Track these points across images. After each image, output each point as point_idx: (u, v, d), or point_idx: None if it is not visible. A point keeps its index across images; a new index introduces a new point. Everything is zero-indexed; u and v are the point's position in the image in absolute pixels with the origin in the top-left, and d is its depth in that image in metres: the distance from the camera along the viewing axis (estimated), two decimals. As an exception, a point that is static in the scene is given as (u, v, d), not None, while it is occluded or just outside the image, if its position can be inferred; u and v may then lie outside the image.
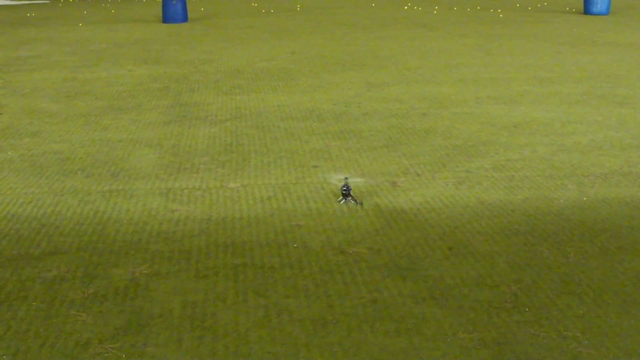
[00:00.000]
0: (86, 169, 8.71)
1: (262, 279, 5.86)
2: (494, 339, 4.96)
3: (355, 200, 7.45)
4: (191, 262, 6.19)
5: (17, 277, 5.93)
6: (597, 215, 7.14)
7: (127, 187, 8.07)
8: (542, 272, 5.94)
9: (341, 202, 7.45)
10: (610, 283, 5.75)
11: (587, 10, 26.26)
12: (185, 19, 25.19)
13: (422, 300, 5.50)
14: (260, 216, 7.20)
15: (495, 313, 5.30)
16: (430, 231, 6.79)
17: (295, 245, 6.51)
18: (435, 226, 6.90)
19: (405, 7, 29.47)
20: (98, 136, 10.17)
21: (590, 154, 9.06)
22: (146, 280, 5.86)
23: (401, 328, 5.11)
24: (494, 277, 5.86)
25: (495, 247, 6.43)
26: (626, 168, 8.54)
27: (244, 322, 5.21)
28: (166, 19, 24.89)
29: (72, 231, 6.86)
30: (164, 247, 6.50)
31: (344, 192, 7.45)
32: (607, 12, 26.06)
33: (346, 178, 7.62)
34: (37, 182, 8.28)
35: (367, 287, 5.70)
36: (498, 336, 5.00)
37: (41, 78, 14.78)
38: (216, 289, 5.70)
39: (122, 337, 5.04)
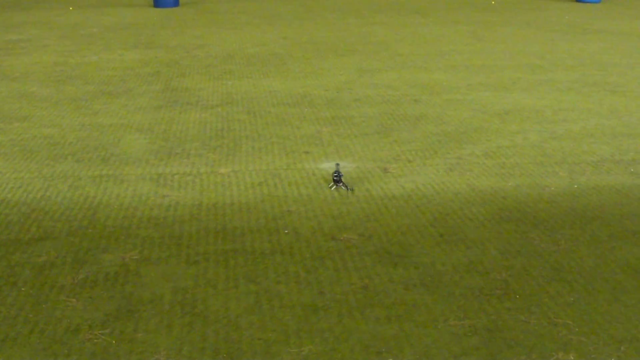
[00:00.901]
0: (76, 153, 8.68)
1: (252, 265, 5.85)
2: (484, 326, 4.96)
3: (346, 187, 7.44)
4: (182, 247, 6.17)
5: (7, 263, 5.91)
6: (588, 203, 7.15)
7: (117, 172, 8.04)
8: (533, 259, 5.94)
9: (332, 188, 7.44)
10: (601, 270, 5.76)
11: (579, -2, 26.23)
12: (176, 3, 25.08)
13: (413, 286, 5.50)
14: (251, 202, 7.18)
15: (486, 300, 5.30)
16: (422, 218, 6.78)
17: (286, 231, 6.50)
18: (426, 212, 6.90)
19: (398, -7, 29.38)
20: (88, 121, 10.12)
21: (582, 142, 9.06)
22: (136, 266, 5.84)
23: (392, 314, 5.11)
24: (485, 263, 5.86)
25: (486, 233, 6.43)
26: (617, 156, 8.55)
27: (234, 308, 5.20)
28: (157, 3, 24.77)
29: (62, 216, 6.84)
30: (154, 232, 6.48)
31: (335, 178, 7.44)
32: (599, 0, 26.04)
33: (337, 164, 7.60)
34: (26, 166, 8.25)
35: (358, 274, 5.70)
36: (489, 323, 5.00)
37: (31, 62, 14.70)
38: (207, 275, 5.69)
39: (112, 322, 5.03)
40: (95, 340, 4.82)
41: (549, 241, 6.28)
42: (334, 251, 6.09)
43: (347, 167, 8.08)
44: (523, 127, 9.67)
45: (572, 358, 4.64)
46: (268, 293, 5.41)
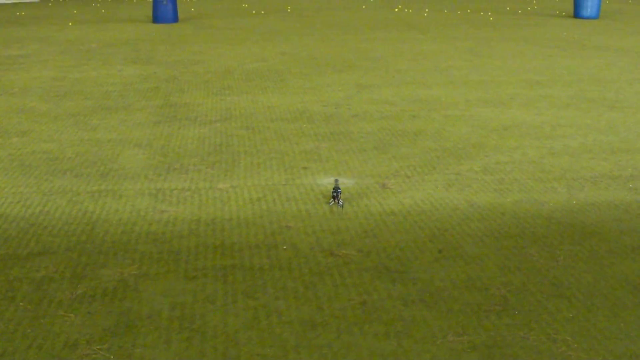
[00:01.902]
0: (75, 168, 8.68)
1: (251, 281, 5.84)
2: (483, 342, 4.95)
3: (337, 200, 7.40)
4: (180, 263, 6.17)
5: (5, 277, 5.90)
6: (586, 219, 7.15)
7: (116, 187, 8.05)
8: (532, 275, 5.94)
9: (331, 204, 7.44)
10: (600, 286, 5.76)
11: (577, 14, 26.32)
12: (175, 19, 25.13)
13: (412, 302, 5.50)
14: (249, 217, 7.18)
15: (485, 316, 5.30)
16: (420, 233, 6.78)
17: (284, 246, 6.49)
18: (425, 228, 6.90)
19: (396, 10, 29.45)
20: (87, 136, 10.13)
21: (580, 158, 9.08)
22: (135, 281, 5.83)
23: (390, 331, 5.10)
24: (484, 279, 5.86)
25: (485, 249, 6.42)
26: (615, 171, 8.56)
27: (233, 324, 5.19)
28: (156, 19, 24.83)
29: (60, 231, 6.83)
30: (152, 248, 6.48)
31: (333, 194, 7.44)
32: (597, 16, 26.12)
33: (336, 180, 7.61)
34: (25, 181, 8.25)
35: (356, 290, 5.69)
36: (488, 339, 4.99)
37: (30, 77, 14.72)
38: (205, 290, 5.68)
39: (111, 338, 5.02)
40: (94, 356, 4.80)
41: (548, 257, 6.28)
42: (333, 267, 6.08)
43: (346, 183, 8.08)
44: (521, 143, 9.69)
45: (572, 374, 4.63)
46: (266, 309, 5.40)
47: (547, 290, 5.68)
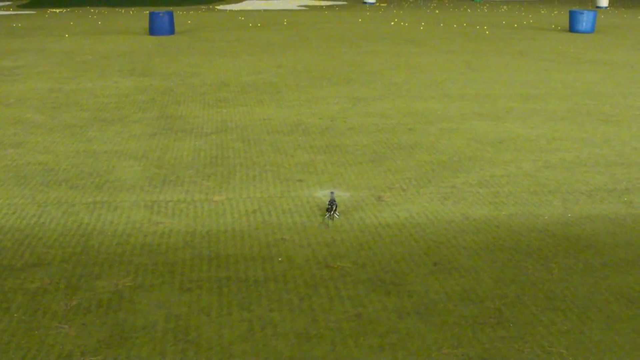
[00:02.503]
0: (70, 180, 8.68)
1: (246, 293, 5.84)
2: (478, 355, 4.95)
3: (331, 213, 7.40)
4: (175, 275, 6.16)
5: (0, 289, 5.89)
6: (581, 232, 7.16)
7: (111, 199, 8.04)
8: (527, 287, 5.94)
9: (327, 217, 7.44)
10: (595, 299, 5.76)
11: (572, 28, 26.42)
12: (172, 31, 25.19)
13: (407, 315, 5.50)
14: (245, 229, 7.18)
15: (480, 328, 5.30)
16: (415, 246, 6.78)
17: (280, 259, 6.49)
18: (420, 241, 6.90)
19: (392, 23, 29.55)
20: (83, 147, 10.13)
21: (575, 171, 9.09)
22: (130, 293, 5.83)
23: (385, 343, 5.10)
24: (479, 292, 5.86)
25: (480, 262, 6.43)
26: (610, 185, 8.58)
27: (227, 336, 5.19)
28: (153, 31, 24.88)
29: (55, 243, 6.83)
30: (147, 259, 6.47)
31: (327, 207, 7.44)
32: (592, 30, 26.22)
33: (332, 193, 7.61)
34: (20, 192, 8.24)
35: (351, 302, 5.69)
36: (482, 352, 4.99)
37: (26, 89, 14.73)
38: (200, 302, 5.68)
39: (105, 349, 5.01)
40: (88, 368, 4.80)
41: (543, 270, 6.28)
42: (328, 279, 6.08)
43: (342, 196, 8.09)
44: (517, 157, 9.70)
45: (566, 387, 4.63)
46: (261, 321, 5.40)
47: (542, 303, 5.68)
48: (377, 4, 47.16)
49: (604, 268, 6.34)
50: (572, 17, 26.52)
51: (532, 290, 5.89)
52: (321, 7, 43.48)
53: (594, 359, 4.92)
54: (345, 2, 48.13)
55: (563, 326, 5.34)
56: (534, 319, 5.45)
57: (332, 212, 7.39)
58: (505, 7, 43.57)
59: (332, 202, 7.41)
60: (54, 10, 39.35)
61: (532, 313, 5.53)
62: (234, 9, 40.74)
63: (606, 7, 42.81)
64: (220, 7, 43.01)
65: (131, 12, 36.13)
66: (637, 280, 6.12)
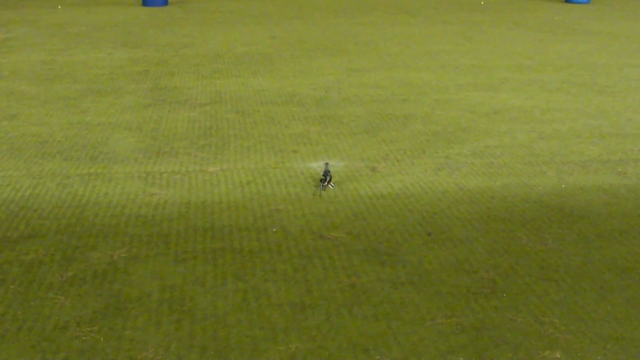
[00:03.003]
0: (65, 152, 8.67)
1: (240, 263, 5.85)
2: (471, 324, 4.98)
3: (322, 184, 7.40)
4: (170, 246, 6.18)
5: (-5, 260, 5.91)
6: (575, 203, 7.18)
7: (105, 170, 8.04)
8: (520, 258, 5.97)
9: (320, 188, 7.44)
10: (588, 269, 5.79)
11: (567, -1, 26.32)
12: (165, 2, 25.03)
13: (401, 285, 5.52)
14: (239, 200, 7.19)
15: (473, 298, 5.33)
16: (409, 217, 6.80)
17: (274, 229, 6.51)
18: (414, 212, 6.92)
19: (387, -7, 29.40)
20: (77, 119, 10.11)
21: (570, 142, 9.10)
22: (125, 264, 5.84)
23: (379, 313, 5.13)
24: (473, 262, 5.88)
25: (474, 233, 6.45)
26: (605, 156, 8.59)
27: (222, 306, 5.21)
28: (146, 2, 24.72)
29: (50, 214, 6.83)
30: (142, 230, 6.48)
31: (322, 178, 7.44)
32: (588, 1, 26.13)
33: (327, 164, 7.61)
34: (15, 165, 8.23)
35: (345, 272, 5.71)
36: (476, 321, 5.02)
37: (20, 60, 14.66)
38: (195, 273, 5.69)
39: (101, 320, 5.03)
40: (84, 338, 4.81)
41: (537, 240, 6.30)
42: (322, 249, 6.10)
43: (336, 166, 8.09)
44: (511, 127, 9.70)
45: (559, 356, 4.66)
46: (256, 291, 5.42)
47: (535, 273, 5.71)
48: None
49: (597, 238, 6.37)
50: (568, -13, 26.41)
51: (526, 261, 5.92)
52: (316, -23, 43.24)
53: (587, 328, 4.95)
54: (339, -27, 47.84)
55: (556, 296, 5.37)
56: (527, 289, 5.47)
57: (326, 183, 7.40)
58: (500, -23, 43.37)
59: (326, 173, 7.41)
60: (47, -19, 39.03)
61: (525, 283, 5.56)
62: (228, -20, 40.51)
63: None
64: (214, -23, 42.76)
65: (124, -17, 35.91)
66: (630, 250, 6.15)
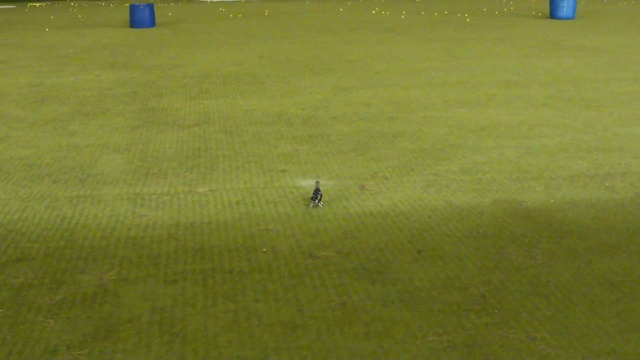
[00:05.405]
0: (53, 174, 8.65)
1: (231, 284, 5.84)
2: (463, 341, 4.98)
3: (313, 202, 7.42)
4: (160, 267, 6.16)
5: (-16, 284, 5.88)
6: (564, 217, 7.19)
7: (94, 192, 8.02)
8: (510, 274, 5.97)
9: (311, 206, 7.45)
10: (578, 284, 5.80)
11: (553, 15, 26.48)
12: (153, 23, 25.09)
13: (391, 303, 5.51)
14: (228, 221, 7.18)
15: (464, 315, 5.32)
16: (399, 234, 6.80)
17: (264, 249, 6.50)
18: (403, 229, 6.92)
19: (373, 12, 29.54)
20: (65, 141, 10.10)
21: (557, 157, 9.13)
22: (114, 286, 5.82)
23: (370, 331, 5.12)
24: (463, 279, 5.88)
25: (464, 249, 6.45)
26: (592, 170, 8.62)
27: (213, 327, 5.19)
28: (134, 24, 24.78)
29: (39, 237, 6.81)
30: (132, 252, 6.46)
31: (312, 196, 7.45)
32: (572, 17, 26.29)
33: (317, 182, 7.61)
34: (3, 187, 8.21)
35: (336, 291, 5.70)
36: (467, 338, 5.02)
37: (7, 83, 14.66)
38: (185, 294, 5.68)
39: (91, 343, 5.00)
40: (74, 361, 4.79)
41: (526, 256, 6.31)
42: (312, 269, 6.09)
43: (325, 185, 8.09)
44: (499, 143, 9.74)
45: (550, 371, 4.66)
46: (246, 311, 5.41)
47: (526, 289, 5.71)
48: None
49: (587, 253, 6.38)
50: (553, 3, 26.58)
51: (516, 276, 5.92)
52: (302, -3, 43.38)
53: (578, 343, 4.95)
54: (326, -8, 48.04)
55: (547, 311, 5.37)
56: (518, 304, 5.47)
57: (317, 202, 7.41)
58: (486, -6, 43.60)
59: (316, 192, 7.42)
60: (34, 4, 39.12)
61: (516, 299, 5.56)
62: (214, 0, 40.61)
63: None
64: (201, -2, 42.85)
65: (111, 5, 35.97)
66: (620, 264, 6.16)
